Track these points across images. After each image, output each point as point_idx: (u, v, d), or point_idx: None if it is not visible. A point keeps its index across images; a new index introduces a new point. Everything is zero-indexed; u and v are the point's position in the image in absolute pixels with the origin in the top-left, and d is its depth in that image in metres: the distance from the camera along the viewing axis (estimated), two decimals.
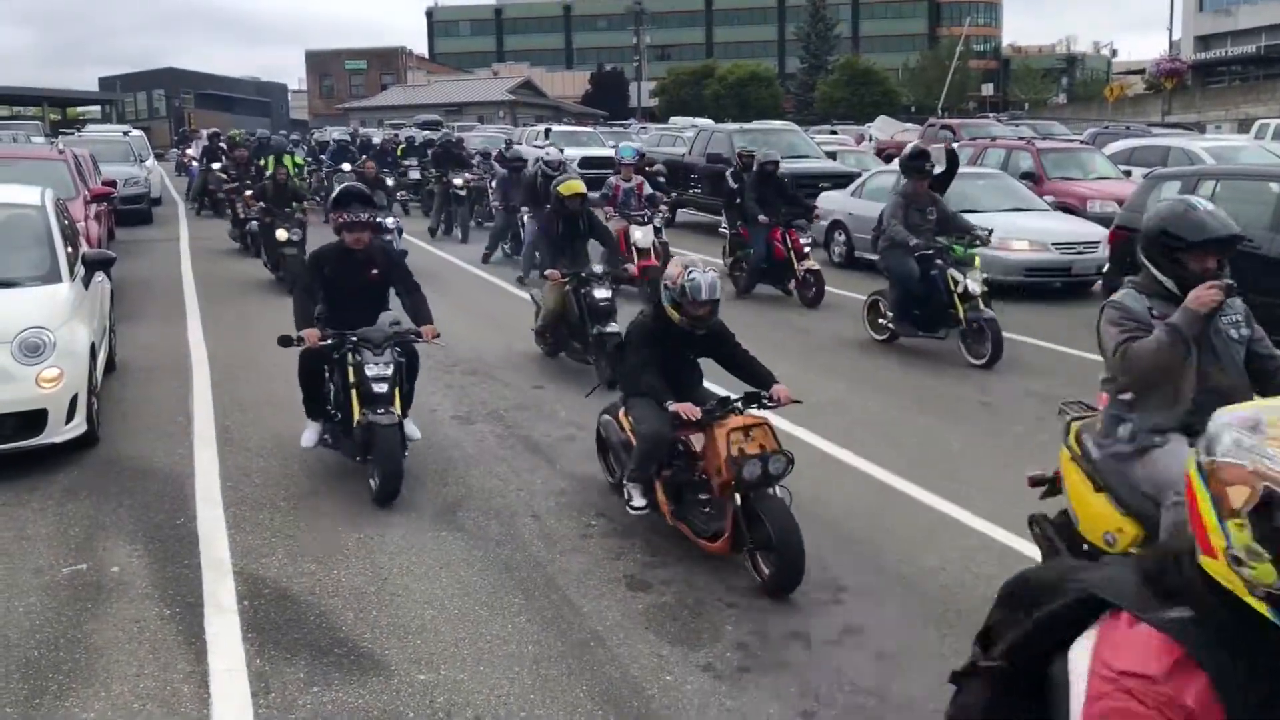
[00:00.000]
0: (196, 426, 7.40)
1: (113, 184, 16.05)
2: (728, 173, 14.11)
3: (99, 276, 8.08)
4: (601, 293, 8.59)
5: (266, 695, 4.01)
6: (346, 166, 21.28)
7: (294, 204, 13.54)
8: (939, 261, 9.40)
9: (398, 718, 3.88)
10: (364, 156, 22.97)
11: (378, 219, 6.32)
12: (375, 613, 4.67)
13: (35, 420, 6.33)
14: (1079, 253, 12.55)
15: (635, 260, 11.65)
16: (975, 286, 9.23)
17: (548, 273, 8.82)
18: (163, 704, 3.95)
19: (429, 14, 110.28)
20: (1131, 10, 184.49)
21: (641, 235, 12.36)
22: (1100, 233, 12.48)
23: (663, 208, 14.32)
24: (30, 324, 6.41)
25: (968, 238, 9.58)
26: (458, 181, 18.09)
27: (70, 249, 7.62)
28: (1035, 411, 7.89)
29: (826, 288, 12.15)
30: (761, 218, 12.12)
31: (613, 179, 13.47)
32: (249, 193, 15.21)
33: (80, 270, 7.55)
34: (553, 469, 6.60)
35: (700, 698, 4.02)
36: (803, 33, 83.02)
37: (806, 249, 12.26)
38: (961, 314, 9.22)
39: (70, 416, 6.50)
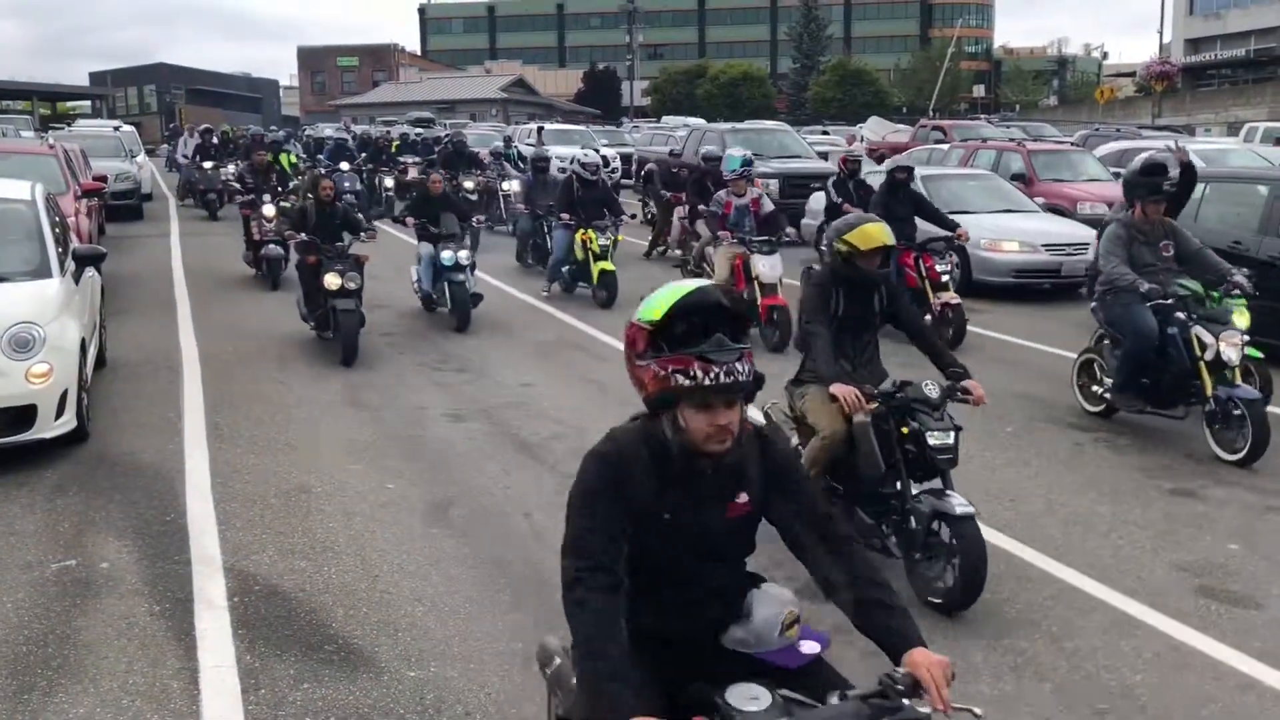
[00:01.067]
0: (187, 422, 7.39)
1: (103, 179, 16.00)
2: (829, 182, 12.61)
3: (89, 272, 8.07)
4: (940, 437, 4.77)
5: (256, 692, 4.01)
6: (345, 166, 19.68)
7: (346, 236, 9.74)
8: (1179, 315, 6.94)
9: (387, 714, 3.88)
10: (378, 160, 21.02)
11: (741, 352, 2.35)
12: (365, 610, 4.68)
13: (25, 416, 6.32)
14: (1068, 254, 12.60)
15: (759, 297, 9.67)
16: (1232, 353, 6.67)
17: (834, 389, 4.83)
18: (152, 700, 3.95)
19: (421, 11, 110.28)
20: (1122, 13, 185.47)
21: (767, 267, 9.83)
22: (1090, 234, 12.46)
23: (789, 230, 10.93)
24: (20, 319, 6.40)
25: (1226, 283, 6.98)
26: (468, 184, 17.15)
27: (60, 244, 7.60)
28: (1026, 413, 7.94)
29: None
30: None
31: (721, 195, 10.90)
32: (270, 210, 12.72)
33: (70, 265, 7.53)
34: (543, 466, 6.60)
35: None
36: (795, 33, 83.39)
37: (944, 278, 10.17)
38: (1209, 388, 6.75)
39: (60, 412, 6.49)
